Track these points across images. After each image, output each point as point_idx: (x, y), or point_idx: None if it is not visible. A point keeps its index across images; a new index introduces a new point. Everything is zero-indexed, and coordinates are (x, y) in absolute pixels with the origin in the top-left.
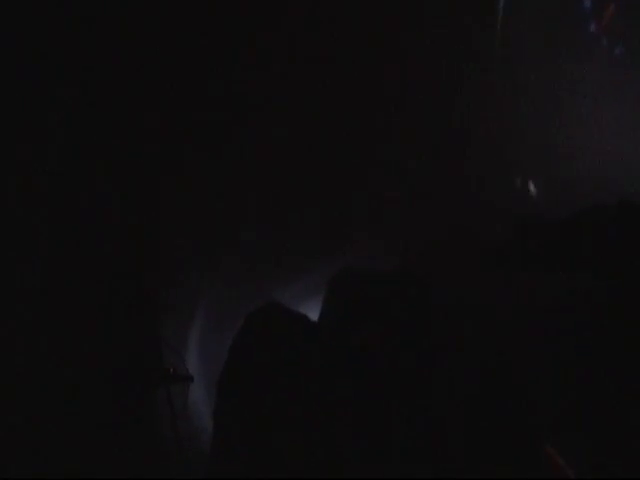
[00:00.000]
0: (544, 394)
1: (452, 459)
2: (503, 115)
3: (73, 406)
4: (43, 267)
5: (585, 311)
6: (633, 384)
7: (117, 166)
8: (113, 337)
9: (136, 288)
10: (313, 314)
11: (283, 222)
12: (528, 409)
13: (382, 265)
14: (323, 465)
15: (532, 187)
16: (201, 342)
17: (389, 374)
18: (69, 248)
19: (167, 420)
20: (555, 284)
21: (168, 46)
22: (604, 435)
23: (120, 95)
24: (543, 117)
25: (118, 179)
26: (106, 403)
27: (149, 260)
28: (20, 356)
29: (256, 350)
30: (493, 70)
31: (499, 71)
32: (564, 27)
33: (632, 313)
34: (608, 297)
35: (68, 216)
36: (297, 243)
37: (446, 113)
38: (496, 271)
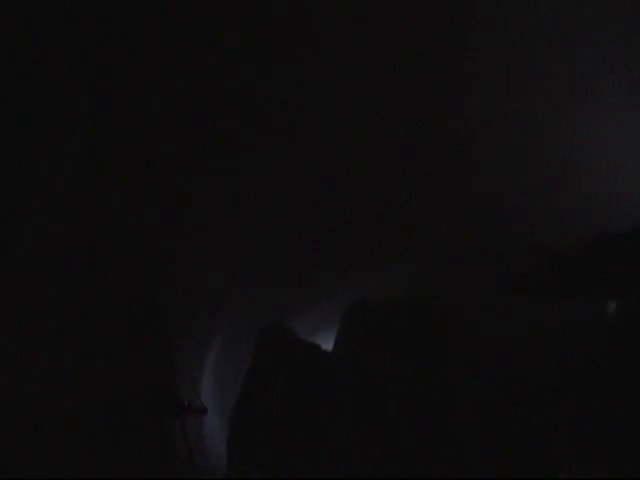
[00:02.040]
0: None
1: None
2: (518, 136)
3: (88, 439)
4: (56, 295)
5: (602, 333)
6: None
7: (136, 188)
8: (128, 370)
9: (152, 320)
10: (326, 343)
11: (297, 254)
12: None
13: (397, 294)
14: None
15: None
16: (216, 371)
17: (403, 402)
18: (81, 284)
19: (183, 450)
20: (571, 308)
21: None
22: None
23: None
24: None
25: (137, 203)
26: (121, 436)
27: (165, 292)
28: (37, 386)
29: (269, 381)
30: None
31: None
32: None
33: None
34: (624, 319)
35: (82, 242)
36: (311, 274)
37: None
38: (511, 297)
